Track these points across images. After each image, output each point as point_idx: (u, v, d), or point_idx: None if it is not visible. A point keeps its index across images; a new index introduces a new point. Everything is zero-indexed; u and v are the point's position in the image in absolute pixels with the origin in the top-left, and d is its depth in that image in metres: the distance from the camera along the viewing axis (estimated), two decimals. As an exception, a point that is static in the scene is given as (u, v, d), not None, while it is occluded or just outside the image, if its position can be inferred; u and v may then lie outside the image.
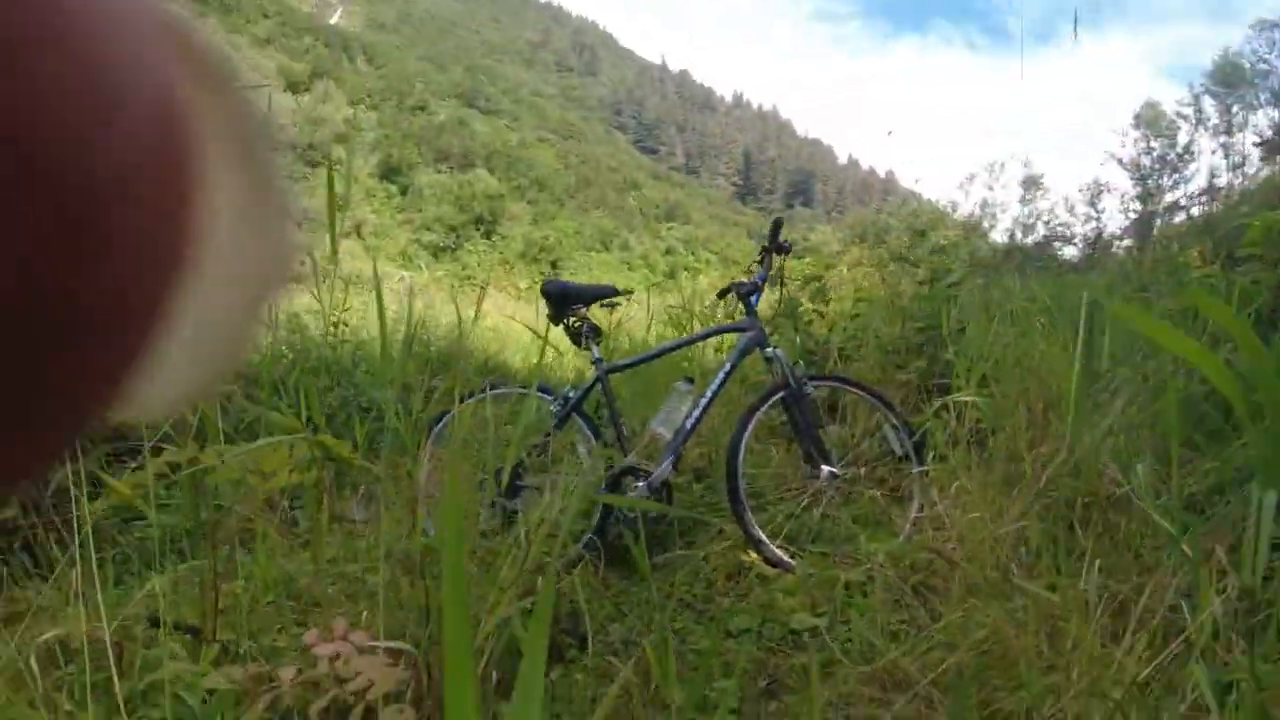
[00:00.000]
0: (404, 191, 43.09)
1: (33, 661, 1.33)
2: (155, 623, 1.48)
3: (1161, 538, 1.71)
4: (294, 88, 43.80)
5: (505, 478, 2.32)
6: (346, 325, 4.80)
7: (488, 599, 1.59)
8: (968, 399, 2.34)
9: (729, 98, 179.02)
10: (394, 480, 1.80)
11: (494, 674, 1.56)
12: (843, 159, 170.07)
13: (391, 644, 1.33)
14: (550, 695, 1.94)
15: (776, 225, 2.95)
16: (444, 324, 6.98)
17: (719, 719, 1.81)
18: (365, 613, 1.61)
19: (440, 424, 2.71)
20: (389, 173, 43.80)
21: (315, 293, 1.90)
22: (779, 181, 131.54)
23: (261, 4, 57.15)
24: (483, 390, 2.65)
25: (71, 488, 1.20)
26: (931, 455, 2.48)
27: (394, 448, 1.58)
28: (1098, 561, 1.61)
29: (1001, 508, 1.97)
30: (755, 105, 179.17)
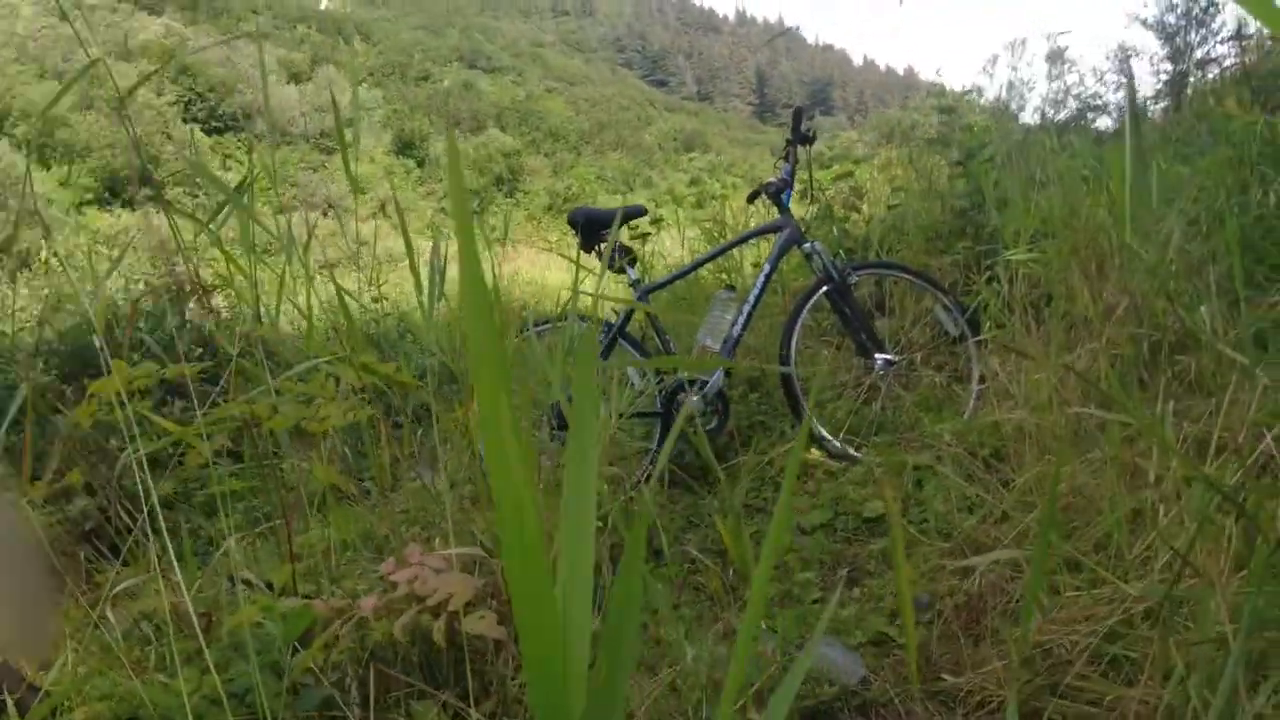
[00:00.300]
0: (421, 164, 42.98)
1: (120, 637, 1.38)
2: (239, 584, 1.53)
3: (1232, 374, 1.64)
4: (296, 78, 43.70)
5: (557, 407, 2.33)
6: (386, 299, 4.86)
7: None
8: (1020, 257, 2.26)
9: (732, 16, 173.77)
10: (449, 413, 1.81)
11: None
12: (858, 61, 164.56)
13: (464, 550, 1.35)
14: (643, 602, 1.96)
15: (798, 115, 2.85)
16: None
17: (805, 610, 1.82)
18: (439, 540, 1.63)
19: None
20: (404, 147, 43.64)
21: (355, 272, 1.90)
22: (795, 94, 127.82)
23: (251, 1, 56.94)
24: (525, 329, 2.65)
25: (134, 466, 1.22)
26: (987, 326, 2.42)
27: (443, 379, 1.58)
28: (1171, 403, 1.56)
29: (1066, 366, 1.92)
30: (760, 19, 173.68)
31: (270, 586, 1.56)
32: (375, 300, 4.58)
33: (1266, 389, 1.32)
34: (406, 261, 1.67)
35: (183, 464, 1.60)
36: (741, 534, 1.10)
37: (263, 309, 1.71)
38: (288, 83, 41.73)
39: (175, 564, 1.26)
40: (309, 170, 34.52)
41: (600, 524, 2.04)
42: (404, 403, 2.32)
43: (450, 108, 49.25)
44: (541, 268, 11.19)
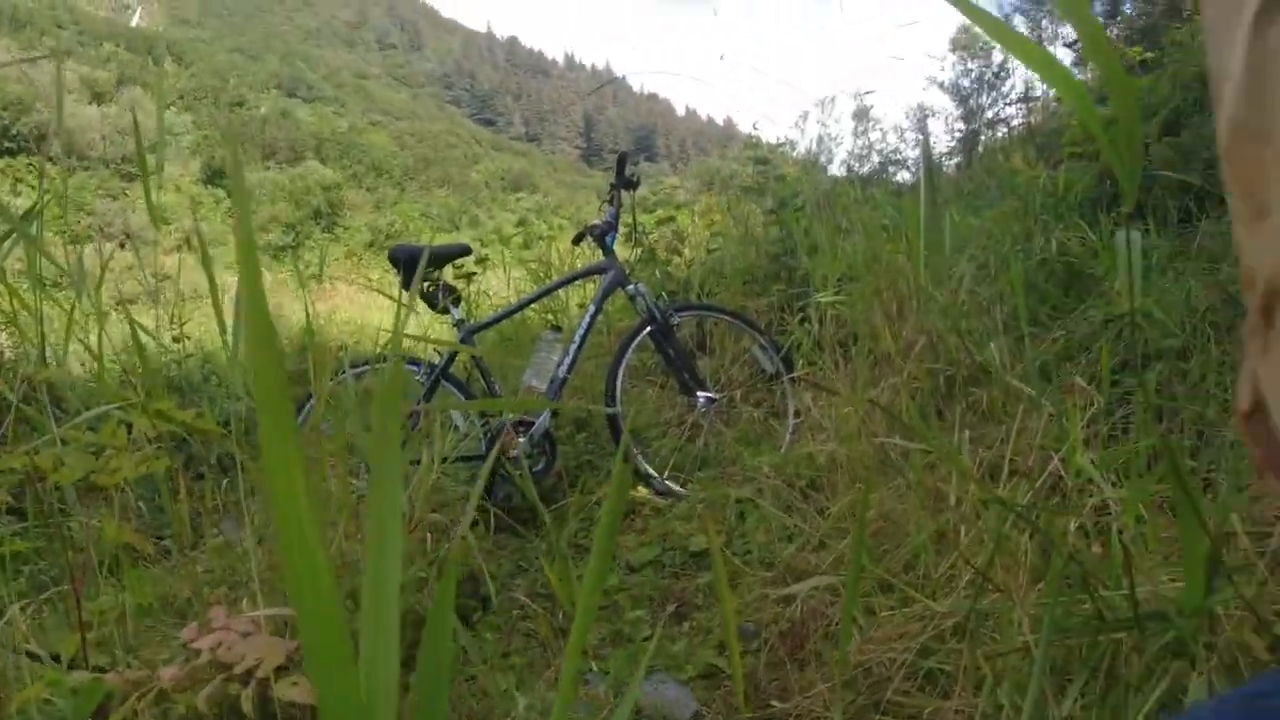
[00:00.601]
0: (231, 195, 40.48)
1: None
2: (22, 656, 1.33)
3: (1020, 404, 1.81)
4: (99, 98, 40.22)
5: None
6: (189, 339, 4.49)
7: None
8: (828, 299, 2.40)
9: (561, 61, 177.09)
10: (255, 461, 1.67)
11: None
12: (681, 111, 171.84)
13: (274, 610, 1.24)
14: (462, 659, 1.88)
15: (622, 160, 2.91)
16: (294, 324, 6.65)
17: (635, 648, 1.81)
18: (245, 601, 1.50)
19: (303, 411, 2.55)
20: (213, 176, 41.05)
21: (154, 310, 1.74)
22: (621, 140, 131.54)
23: (55, 16, 52.05)
24: (342, 371, 2.51)
25: None
26: (801, 364, 2.54)
27: (250, 425, 1.46)
28: (966, 431, 1.69)
29: (871, 400, 2.04)
30: (589, 66, 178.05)
31: (58, 659, 1.37)
32: (176, 340, 4.22)
33: (1051, 416, 1.45)
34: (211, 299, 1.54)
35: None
36: (569, 576, 1.08)
37: (49, 349, 1.52)
38: (90, 103, 38.28)
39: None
40: (108, 198, 31.63)
41: (423, 575, 1.94)
42: (206, 452, 2.13)
43: (266, 136, 46.82)
44: (361, 307, 10.75)
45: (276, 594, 1.55)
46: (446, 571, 0.42)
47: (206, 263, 1.51)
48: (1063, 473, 1.32)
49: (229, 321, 1.56)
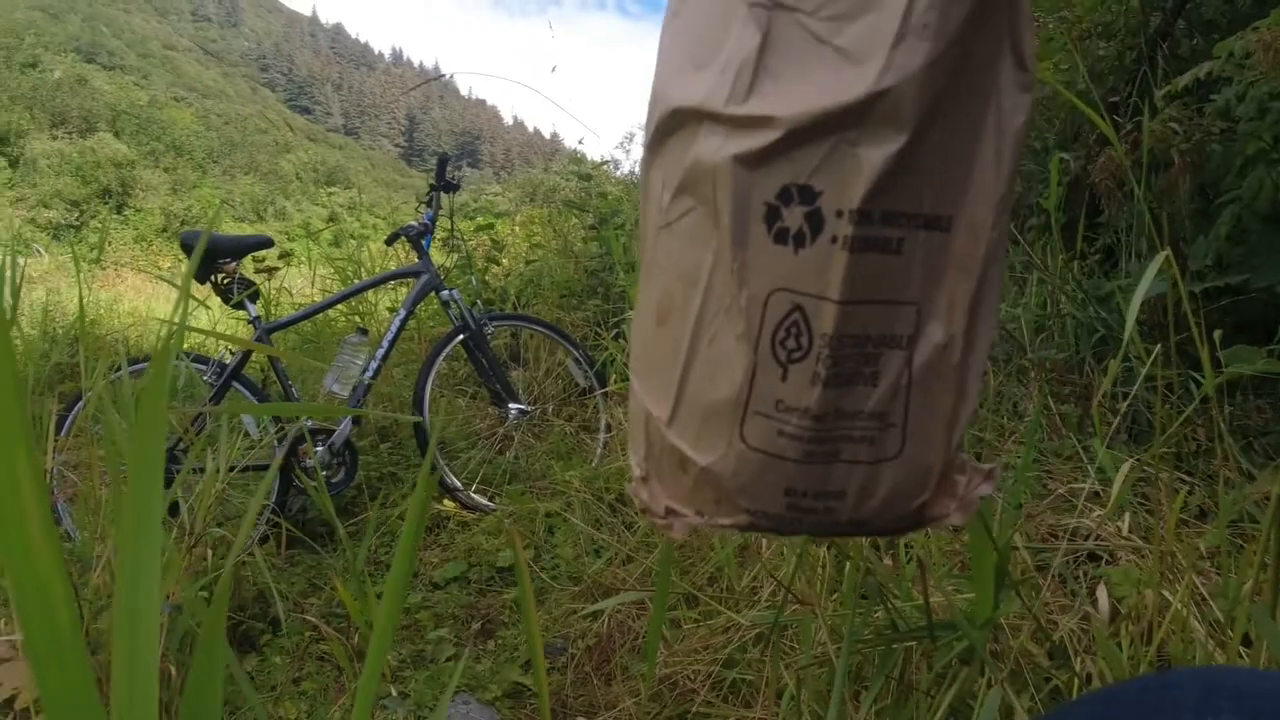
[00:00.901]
0: (14, 164, 35.81)
1: None
2: None
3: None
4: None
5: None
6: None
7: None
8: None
9: (388, 55, 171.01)
10: None
11: (172, 670, 1.33)
12: (508, 120, 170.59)
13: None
14: (251, 684, 1.72)
15: (443, 162, 2.83)
16: (70, 312, 5.97)
17: (438, 669, 1.73)
18: (4, 621, 1.30)
19: (73, 411, 2.27)
20: (-2, 140, 36.17)
21: None
22: (445, 142, 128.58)
23: None
24: (119, 367, 2.25)
25: None
26: (614, 379, 2.55)
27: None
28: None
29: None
30: (416, 63, 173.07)
31: None
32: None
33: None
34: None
35: None
36: (367, 595, 1.01)
37: None
38: None
39: None
40: None
41: (206, 595, 1.77)
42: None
43: (57, 102, 41.81)
44: (148, 297, 9.79)
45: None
46: (219, 588, 0.36)
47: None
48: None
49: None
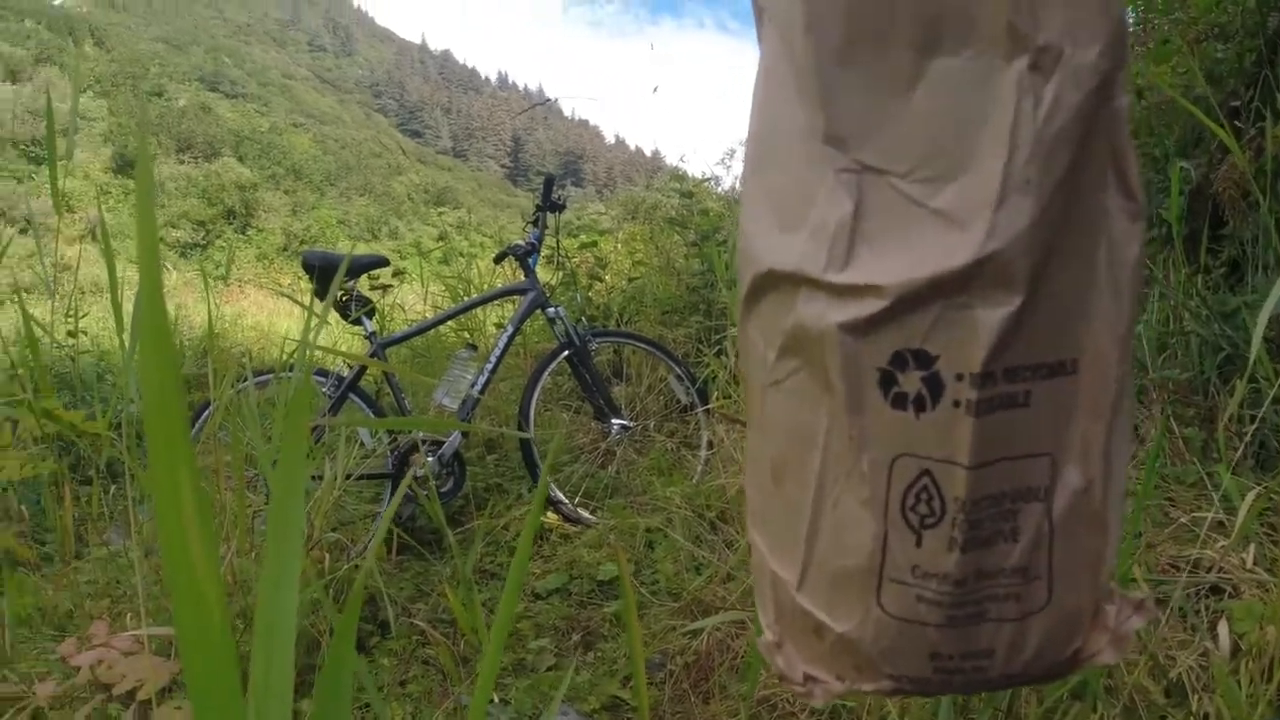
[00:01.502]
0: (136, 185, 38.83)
1: None
2: None
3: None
4: (14, 77, 38.11)
5: (273, 464, 2.13)
6: (85, 334, 4.26)
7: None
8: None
9: (494, 79, 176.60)
10: (145, 469, 1.58)
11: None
12: (610, 139, 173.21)
13: (159, 629, 1.17)
14: (356, 686, 1.80)
15: (549, 182, 2.90)
16: (196, 326, 6.39)
17: (538, 679, 1.77)
18: (129, 616, 1.41)
19: (201, 418, 2.43)
20: (124, 166, 39.26)
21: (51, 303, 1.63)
22: (549, 163, 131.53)
23: (-25, -10, 49.28)
24: (244, 379, 2.40)
25: None
26: (715, 396, 2.56)
27: (142, 430, 1.37)
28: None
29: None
30: (521, 87, 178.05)
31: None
32: (71, 335, 3.99)
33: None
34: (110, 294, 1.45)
35: None
36: (474, 602, 1.05)
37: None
38: (3, 80, 36.24)
39: None
40: (12, 180, 29.89)
41: (318, 597, 1.86)
42: (95, 456, 2.00)
43: (183, 129, 45.04)
44: (270, 312, 10.39)
45: (162, 611, 1.46)
46: (351, 597, 0.39)
47: (108, 255, 1.43)
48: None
49: (128, 318, 1.48)
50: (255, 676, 0.34)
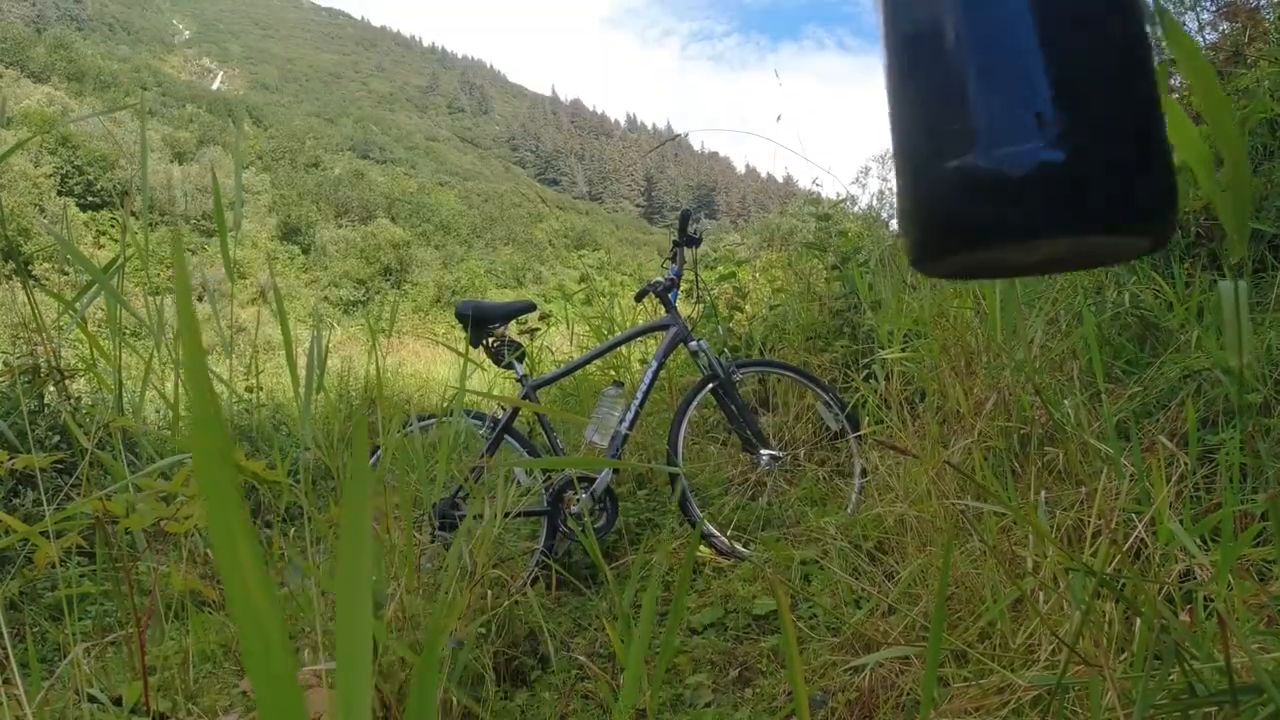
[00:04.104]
0: (306, 250, 42.26)
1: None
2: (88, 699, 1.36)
3: (1098, 462, 1.74)
4: (180, 158, 42.69)
5: (439, 507, 2.24)
6: (261, 389, 4.65)
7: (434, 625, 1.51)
8: (892, 355, 2.36)
9: (623, 121, 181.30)
10: (320, 511, 1.70)
11: (453, 701, 1.47)
12: (741, 169, 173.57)
13: (328, 666, 1.24)
14: (520, 717, 1.85)
15: (684, 217, 2.94)
16: (360, 376, 6.84)
17: (697, 715, 1.76)
18: (308, 651, 1.51)
19: (371, 461, 2.60)
20: (289, 233, 42.91)
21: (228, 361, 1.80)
22: (682, 197, 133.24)
23: (140, 78, 55.56)
24: (408, 424, 2.55)
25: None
26: (866, 422, 2.49)
27: (317, 475, 1.48)
28: (1043, 492, 1.63)
29: (944, 461, 1.98)
30: (650, 126, 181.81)
31: (119, 702, 1.40)
32: (249, 390, 4.37)
33: (1132, 477, 1.39)
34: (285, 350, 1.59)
35: (31, 562, 1.44)
36: (631, 636, 1.06)
37: (126, 397, 1.58)
38: (171, 161, 40.63)
39: (16, 672, 1.10)
40: (188, 252, 33.25)
41: (483, 630, 1.93)
42: (275, 501, 2.17)
43: (339, 195, 48.76)
44: (427, 361, 10.99)
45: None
46: (426, 652, 0.37)
47: (282, 315, 1.56)
48: (1145, 536, 1.26)
49: (301, 372, 1.61)
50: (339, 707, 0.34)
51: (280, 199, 45.50)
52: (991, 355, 2.13)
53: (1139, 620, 0.90)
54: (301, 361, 1.62)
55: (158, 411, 4.39)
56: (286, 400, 5.04)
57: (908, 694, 1.51)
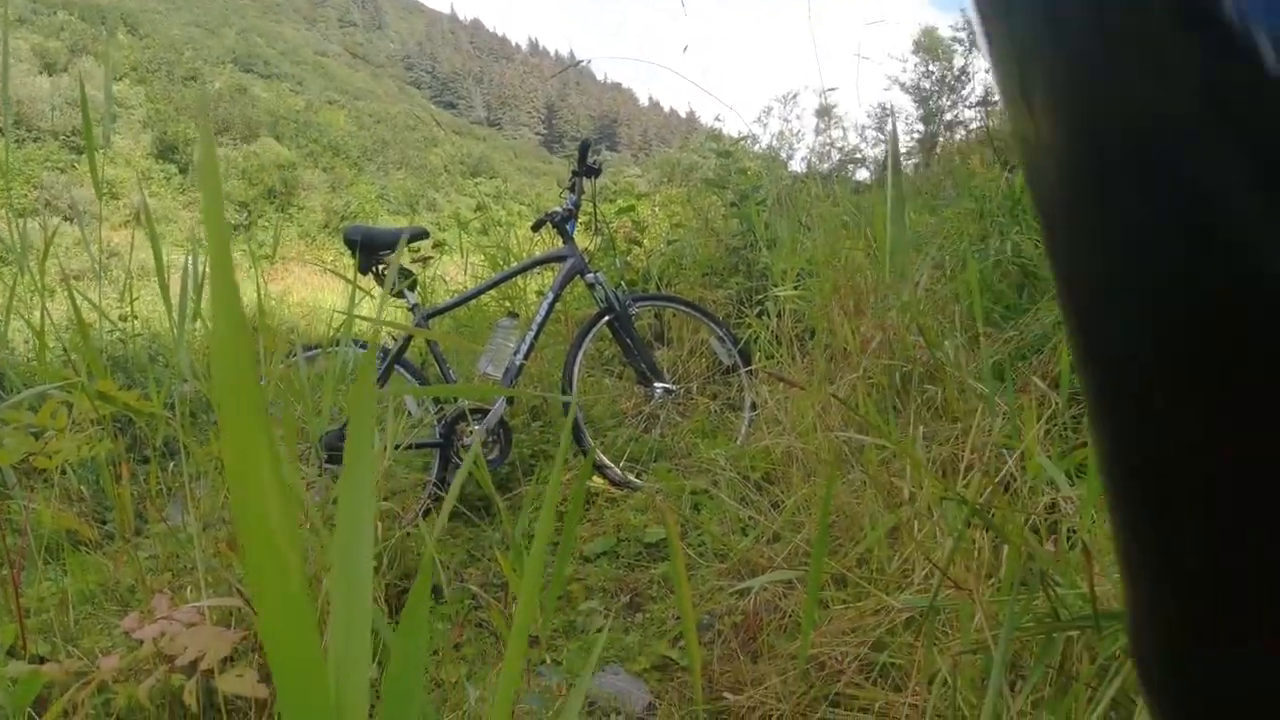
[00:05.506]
0: (184, 170, 39.56)
1: None
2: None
3: (974, 400, 1.83)
4: (50, 69, 38.92)
5: (326, 439, 2.18)
6: (136, 318, 4.36)
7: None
8: (785, 293, 2.41)
9: (524, 45, 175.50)
10: (201, 445, 1.62)
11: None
12: (644, 101, 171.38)
13: (219, 600, 1.20)
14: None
15: (584, 148, 2.88)
16: (246, 305, 6.52)
17: (589, 640, 1.80)
18: (190, 589, 1.46)
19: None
20: (165, 151, 39.98)
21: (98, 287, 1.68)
22: (583, 128, 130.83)
23: (13, -18, 50.21)
24: (293, 354, 2.45)
25: None
26: (758, 357, 2.54)
27: (196, 408, 1.41)
28: (921, 428, 1.71)
29: (830, 395, 2.05)
30: (552, 52, 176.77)
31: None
32: (123, 319, 4.09)
33: (1005, 415, 1.47)
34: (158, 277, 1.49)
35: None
36: (524, 566, 1.06)
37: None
38: (40, 73, 37.03)
39: None
40: (55, 170, 30.68)
41: (375, 563, 1.90)
42: (151, 435, 2.06)
43: (220, 112, 45.66)
44: (315, 288, 10.56)
45: (221, 583, 1.51)
46: (421, 570, 0.39)
47: (154, 239, 1.46)
48: (1015, 471, 1.34)
49: (175, 300, 1.51)
50: (334, 646, 0.34)
51: (156, 114, 42.25)
52: (879, 296, 2.19)
53: (1007, 548, 0.96)
54: (176, 288, 1.52)
55: (25, 341, 4.08)
56: (164, 330, 4.76)
57: (790, 616, 1.58)
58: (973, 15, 0.33)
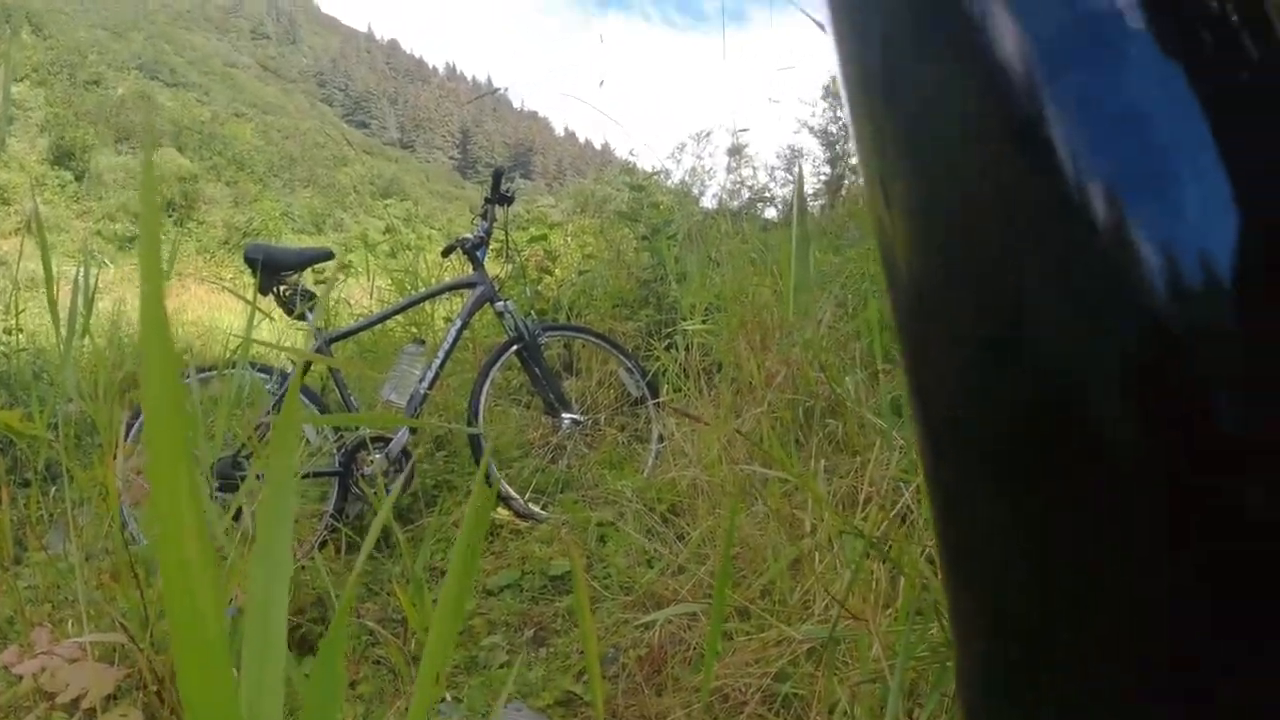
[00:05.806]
0: (80, 178, 37.53)
1: None
2: None
3: (873, 435, 1.89)
4: (-52, 66, 36.39)
5: (219, 466, 2.09)
6: (21, 331, 4.09)
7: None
8: (693, 327, 2.44)
9: (441, 69, 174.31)
10: (85, 470, 1.53)
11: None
12: (560, 131, 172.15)
13: (102, 635, 1.13)
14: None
15: (498, 175, 2.87)
16: (137, 322, 6.21)
17: (491, 676, 1.76)
18: (71, 622, 1.36)
19: (139, 419, 2.36)
20: (61, 157, 37.90)
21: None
22: (498, 154, 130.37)
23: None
24: (186, 375, 2.34)
25: None
26: (666, 390, 2.57)
27: (81, 430, 1.33)
28: (823, 461, 1.75)
29: (734, 429, 2.08)
30: (469, 77, 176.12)
31: None
32: (8, 333, 3.83)
33: (901, 449, 1.52)
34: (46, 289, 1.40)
35: None
36: (424, 600, 1.03)
37: None
38: None
39: None
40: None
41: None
42: (33, 458, 1.93)
43: (121, 118, 43.56)
44: (212, 308, 10.13)
45: (104, 616, 1.42)
46: (342, 602, 0.38)
47: (44, 249, 1.38)
48: (911, 503, 1.39)
49: (64, 314, 1.43)
50: (247, 681, 0.33)
51: (54, 118, 40.04)
52: (784, 332, 2.25)
53: (904, 579, 1.00)
54: (65, 301, 1.44)
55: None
56: (50, 345, 4.48)
57: (694, 648, 1.58)
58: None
